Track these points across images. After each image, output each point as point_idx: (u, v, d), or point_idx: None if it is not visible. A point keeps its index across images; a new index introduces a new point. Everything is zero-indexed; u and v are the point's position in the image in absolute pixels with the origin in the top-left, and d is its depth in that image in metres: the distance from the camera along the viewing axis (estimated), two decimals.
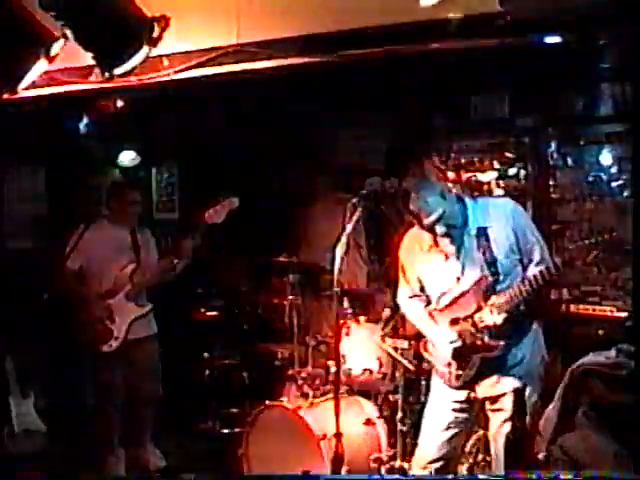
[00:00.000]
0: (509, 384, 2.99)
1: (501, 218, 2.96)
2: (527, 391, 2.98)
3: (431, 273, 3.11)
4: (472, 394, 3.07)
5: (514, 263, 2.95)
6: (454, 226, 2.95)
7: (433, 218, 2.88)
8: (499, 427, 3.02)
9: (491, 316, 2.85)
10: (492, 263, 2.91)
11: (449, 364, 3.06)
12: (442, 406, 3.16)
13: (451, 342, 3.02)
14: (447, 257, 3.03)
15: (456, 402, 3.11)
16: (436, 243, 3.04)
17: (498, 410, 3.03)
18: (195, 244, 4.08)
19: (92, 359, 4.21)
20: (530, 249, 2.96)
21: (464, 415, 3.13)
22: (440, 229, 2.91)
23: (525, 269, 2.96)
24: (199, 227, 4.03)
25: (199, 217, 4.03)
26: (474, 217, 2.97)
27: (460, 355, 3.02)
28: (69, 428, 4.32)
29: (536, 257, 2.95)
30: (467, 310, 2.98)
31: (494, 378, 3.01)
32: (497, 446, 3.05)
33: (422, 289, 3.20)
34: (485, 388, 3.05)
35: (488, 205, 3.06)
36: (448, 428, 3.12)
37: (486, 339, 2.92)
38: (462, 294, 3.00)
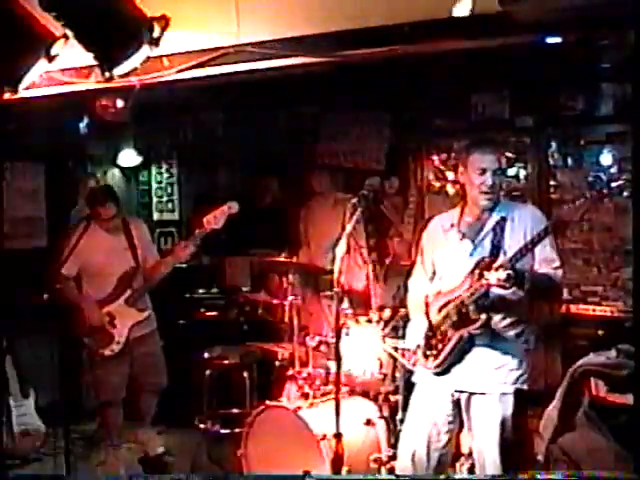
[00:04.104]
0: (493, 384, 2.97)
1: (525, 219, 3.02)
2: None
3: (445, 252, 3.14)
4: (455, 392, 3.05)
5: (524, 267, 2.93)
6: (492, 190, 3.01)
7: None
8: (486, 435, 2.98)
9: (495, 273, 2.79)
10: (497, 250, 2.94)
11: (424, 349, 3.09)
12: (426, 403, 3.15)
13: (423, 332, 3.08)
14: (463, 237, 3.07)
15: (440, 401, 3.09)
16: (461, 216, 3.12)
17: (482, 414, 2.99)
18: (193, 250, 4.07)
19: (94, 361, 4.20)
20: (549, 257, 2.99)
21: (447, 412, 3.10)
22: (488, 180, 2.97)
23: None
24: (199, 233, 4.00)
25: (198, 223, 4.01)
26: (500, 208, 3.05)
27: (441, 334, 3.04)
28: (69, 428, 4.31)
29: (555, 264, 3.01)
30: (459, 291, 2.99)
31: (475, 370, 2.99)
32: (489, 454, 2.99)
33: (434, 274, 3.22)
34: (465, 380, 3.02)
35: (516, 205, 3.20)
36: (432, 425, 3.10)
37: (471, 314, 2.92)
38: (464, 276, 3.02)
